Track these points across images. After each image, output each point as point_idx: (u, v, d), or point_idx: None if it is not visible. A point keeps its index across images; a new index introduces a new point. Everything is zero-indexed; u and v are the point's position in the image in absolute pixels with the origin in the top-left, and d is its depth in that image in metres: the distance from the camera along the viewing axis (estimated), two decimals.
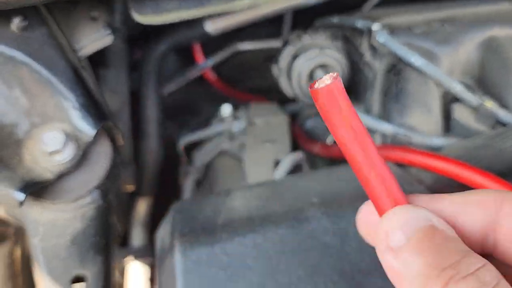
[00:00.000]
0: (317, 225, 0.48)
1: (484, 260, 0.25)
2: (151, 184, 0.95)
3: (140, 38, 1.05)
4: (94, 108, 0.61)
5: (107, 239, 0.57)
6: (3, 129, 0.58)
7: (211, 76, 1.18)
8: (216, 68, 1.23)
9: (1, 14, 0.58)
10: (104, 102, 0.67)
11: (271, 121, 0.91)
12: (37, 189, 0.56)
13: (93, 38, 0.67)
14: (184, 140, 0.95)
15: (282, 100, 1.24)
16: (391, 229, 0.27)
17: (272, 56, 1.29)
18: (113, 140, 0.64)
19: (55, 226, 0.57)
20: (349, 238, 0.48)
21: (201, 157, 0.90)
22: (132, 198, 0.97)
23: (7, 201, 0.55)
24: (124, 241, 0.95)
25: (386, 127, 0.64)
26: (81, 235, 0.56)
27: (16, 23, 0.58)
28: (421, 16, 0.77)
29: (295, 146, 0.89)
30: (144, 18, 0.57)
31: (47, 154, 0.57)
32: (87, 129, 0.60)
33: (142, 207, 0.96)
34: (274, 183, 0.56)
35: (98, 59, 0.91)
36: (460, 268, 0.24)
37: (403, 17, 0.77)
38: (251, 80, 1.33)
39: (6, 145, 0.57)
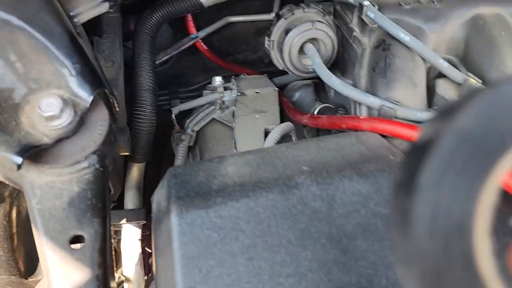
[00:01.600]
0: (306, 192, 0.51)
1: None
2: (144, 151, 0.97)
3: (134, 9, 1.05)
4: (90, 75, 0.63)
5: (103, 202, 0.59)
6: (1, 93, 0.59)
7: (203, 46, 1.19)
8: (208, 39, 1.24)
9: None
10: (100, 69, 0.68)
11: (261, 92, 0.93)
12: (34, 153, 0.57)
13: (89, 5, 0.68)
14: (177, 109, 0.97)
15: (270, 72, 1.26)
16: None
17: (262, 29, 1.31)
18: (109, 107, 0.66)
19: (52, 189, 0.58)
20: (337, 204, 0.50)
21: (192, 125, 0.92)
22: (126, 163, 0.99)
23: (5, 164, 0.57)
24: (119, 205, 0.98)
25: (373, 100, 0.67)
26: (78, 198, 0.58)
27: None
28: None
29: (283, 117, 0.91)
30: None
31: (44, 119, 0.58)
32: (84, 96, 0.61)
33: (135, 172, 0.98)
34: (264, 151, 0.59)
35: (93, 28, 0.92)
36: None
37: None
38: (241, 52, 1.34)
39: (4, 109, 0.59)
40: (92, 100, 0.61)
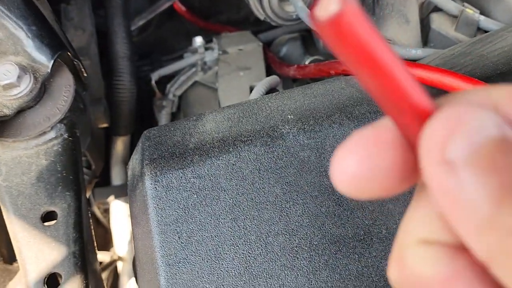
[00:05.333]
0: (293, 141, 0.46)
1: None
2: (126, 122, 0.92)
3: None
4: (49, 38, 0.57)
5: (75, 174, 0.54)
6: None
7: (180, 8, 1.12)
8: (187, 1, 1.17)
9: None
10: (62, 32, 0.62)
11: (244, 48, 0.87)
12: None
13: None
14: (157, 74, 0.91)
15: (257, 32, 1.19)
16: (448, 136, 0.18)
17: None
18: (74, 72, 0.61)
19: (19, 164, 0.54)
20: (327, 152, 0.45)
21: (174, 89, 0.86)
22: (110, 137, 0.94)
23: None
24: (106, 181, 0.93)
25: None
26: (47, 171, 0.53)
27: None
28: None
29: (269, 73, 0.85)
30: None
31: (1, 88, 0.53)
32: (44, 60, 0.55)
33: (119, 146, 0.93)
34: (246, 104, 0.53)
35: None
36: None
37: None
38: (224, 12, 1.27)
39: None
40: (54, 65, 0.56)
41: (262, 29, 1.23)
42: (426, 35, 0.66)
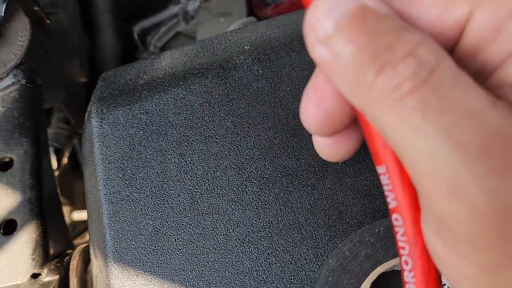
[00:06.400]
0: (246, 72, 0.43)
1: (420, 35, 0.20)
2: None
3: None
4: None
5: (34, 120, 0.52)
6: None
7: None
8: None
9: None
10: None
11: None
12: None
13: None
14: (139, 27, 0.88)
15: None
16: (317, 19, 0.21)
17: None
18: (34, 17, 0.58)
19: None
20: (283, 81, 0.42)
21: (154, 41, 0.83)
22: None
23: None
24: None
25: None
26: (4, 118, 0.51)
27: None
28: None
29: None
30: None
31: None
32: None
33: None
34: (206, 40, 0.50)
35: None
36: (396, 49, 0.19)
37: None
38: None
39: None
40: (8, 9, 0.53)
41: None
42: None
